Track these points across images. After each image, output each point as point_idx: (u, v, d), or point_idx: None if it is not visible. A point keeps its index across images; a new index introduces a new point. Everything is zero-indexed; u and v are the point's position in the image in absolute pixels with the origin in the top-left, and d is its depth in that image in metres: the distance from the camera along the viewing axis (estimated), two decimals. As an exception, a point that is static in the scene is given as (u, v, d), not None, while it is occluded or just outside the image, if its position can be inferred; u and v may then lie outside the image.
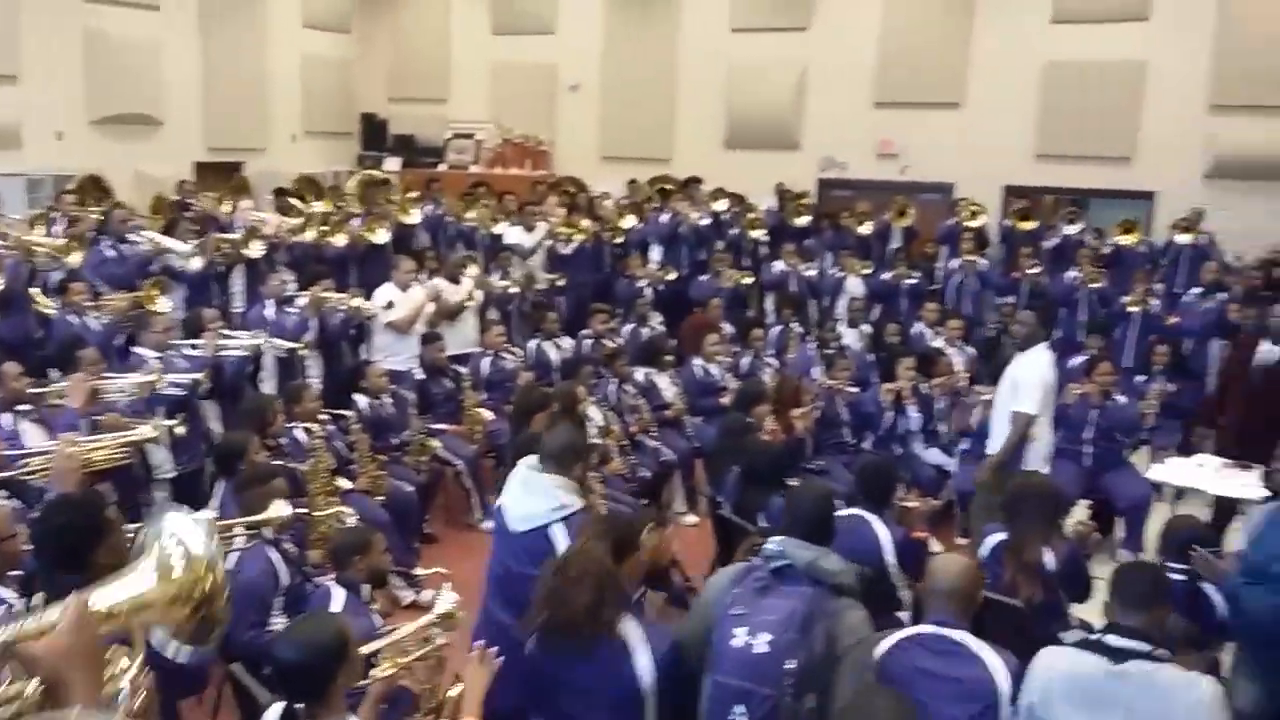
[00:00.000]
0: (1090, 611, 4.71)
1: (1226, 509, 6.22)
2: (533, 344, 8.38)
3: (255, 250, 8.21)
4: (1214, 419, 7.44)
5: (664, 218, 10.94)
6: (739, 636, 3.07)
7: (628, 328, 9.00)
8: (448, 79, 15.35)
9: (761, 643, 3.02)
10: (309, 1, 14.39)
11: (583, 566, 3.06)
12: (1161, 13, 11.66)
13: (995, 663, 3.04)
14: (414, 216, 10.02)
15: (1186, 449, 7.50)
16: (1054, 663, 3.03)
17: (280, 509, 4.19)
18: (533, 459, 3.94)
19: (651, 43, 14.21)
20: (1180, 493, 6.59)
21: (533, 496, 3.73)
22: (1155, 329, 8.88)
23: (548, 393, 6.15)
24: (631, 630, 3.09)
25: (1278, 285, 9.52)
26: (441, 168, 14.25)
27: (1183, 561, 4.17)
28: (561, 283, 9.91)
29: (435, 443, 6.88)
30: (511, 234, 10.08)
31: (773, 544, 3.23)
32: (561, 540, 3.57)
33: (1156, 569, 3.35)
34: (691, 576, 5.15)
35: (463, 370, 7.53)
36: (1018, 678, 3.04)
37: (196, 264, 7.88)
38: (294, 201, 10.05)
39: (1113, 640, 2.94)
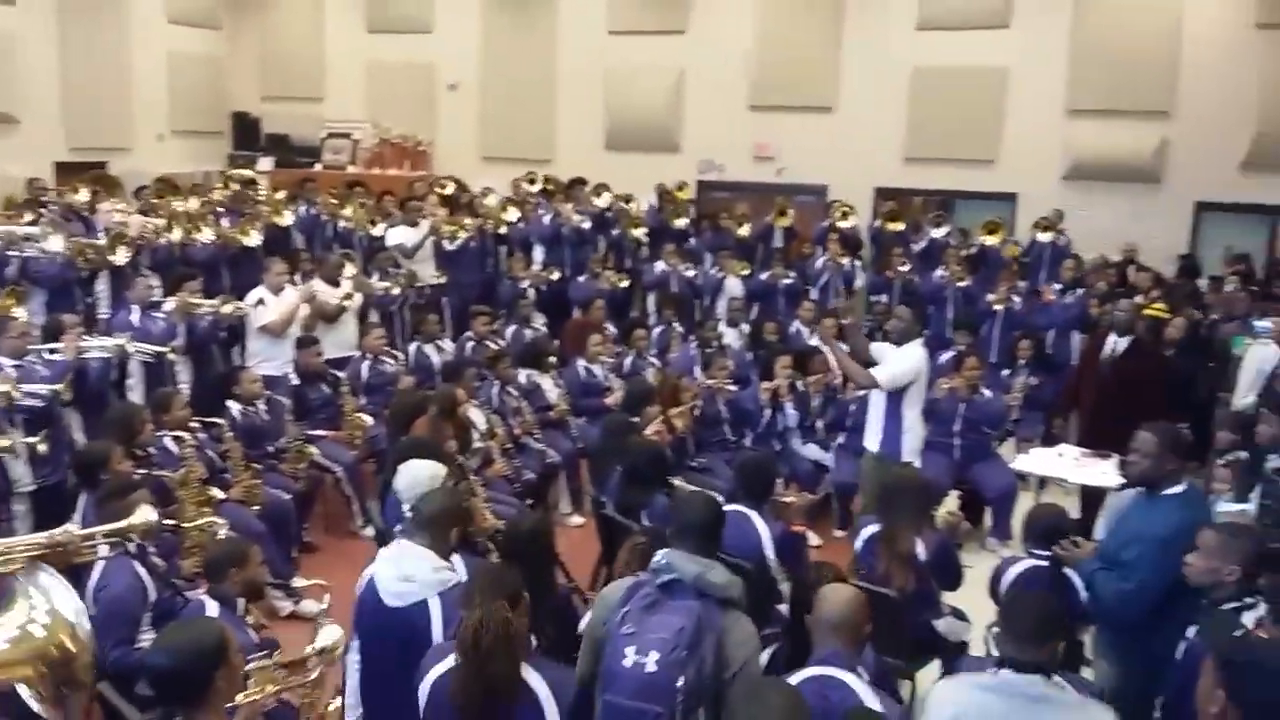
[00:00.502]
0: (960, 599, 4.91)
1: (1095, 496, 6.51)
2: (413, 347, 8.28)
3: (121, 257, 7.88)
4: (1071, 410, 7.80)
5: (546, 218, 10.94)
6: (629, 656, 3.06)
7: (510, 329, 8.96)
8: (322, 77, 15.02)
9: (651, 662, 3.02)
10: (174, -4, 13.93)
11: (494, 637, 2.87)
12: (1021, 21, 12.15)
13: (878, 708, 3.03)
14: (287, 218, 9.78)
15: (1049, 439, 7.86)
16: (956, 699, 3.02)
17: (145, 514, 4.02)
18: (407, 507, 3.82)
19: (530, 43, 14.17)
20: (1043, 482, 6.88)
21: (407, 571, 3.54)
22: (1019, 324, 9.27)
23: (428, 395, 6.09)
24: (536, 680, 2.98)
25: (1132, 282, 10.05)
26: (317, 168, 13.92)
27: (1045, 548, 4.36)
28: (443, 281, 9.81)
29: (313, 449, 6.74)
30: (395, 234, 9.92)
31: (660, 558, 3.24)
32: (437, 614, 3.43)
33: (1048, 599, 3.40)
34: (576, 578, 5.18)
35: (341, 375, 7.40)
36: None
37: (56, 244, 7.53)
38: (156, 202, 9.67)
39: (1009, 677, 2.97)
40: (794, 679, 3.08)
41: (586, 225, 10.91)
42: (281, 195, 10.35)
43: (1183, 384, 7.08)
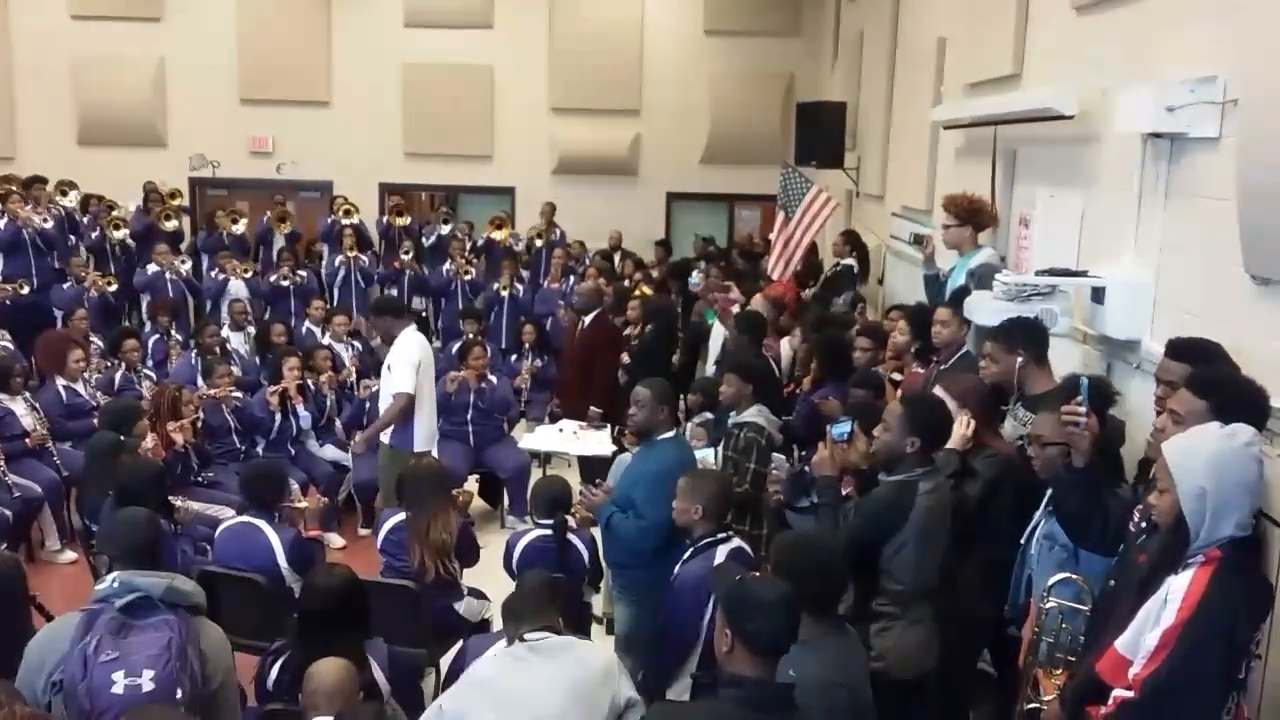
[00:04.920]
0: (477, 577, 5.13)
1: (594, 465, 7.02)
2: None
3: None
4: (562, 389, 8.43)
5: (1, 223, 9.65)
6: (119, 682, 2.95)
7: (-34, 352, 7.86)
8: None
9: (147, 680, 2.95)
10: None
11: None
12: (502, 21, 12.82)
13: None
14: None
15: (554, 416, 8.40)
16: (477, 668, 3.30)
17: None
18: None
19: (-27, 27, 12.49)
20: (549, 457, 7.35)
21: None
22: (523, 311, 9.81)
23: None
24: None
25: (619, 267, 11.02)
26: None
27: (549, 518, 4.67)
28: None
29: None
30: None
31: (112, 581, 3.09)
32: None
33: (544, 577, 3.68)
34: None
35: None
36: None
37: None
38: None
39: (531, 637, 3.26)
40: None
41: (49, 225, 9.79)
42: None
43: (650, 354, 7.92)
